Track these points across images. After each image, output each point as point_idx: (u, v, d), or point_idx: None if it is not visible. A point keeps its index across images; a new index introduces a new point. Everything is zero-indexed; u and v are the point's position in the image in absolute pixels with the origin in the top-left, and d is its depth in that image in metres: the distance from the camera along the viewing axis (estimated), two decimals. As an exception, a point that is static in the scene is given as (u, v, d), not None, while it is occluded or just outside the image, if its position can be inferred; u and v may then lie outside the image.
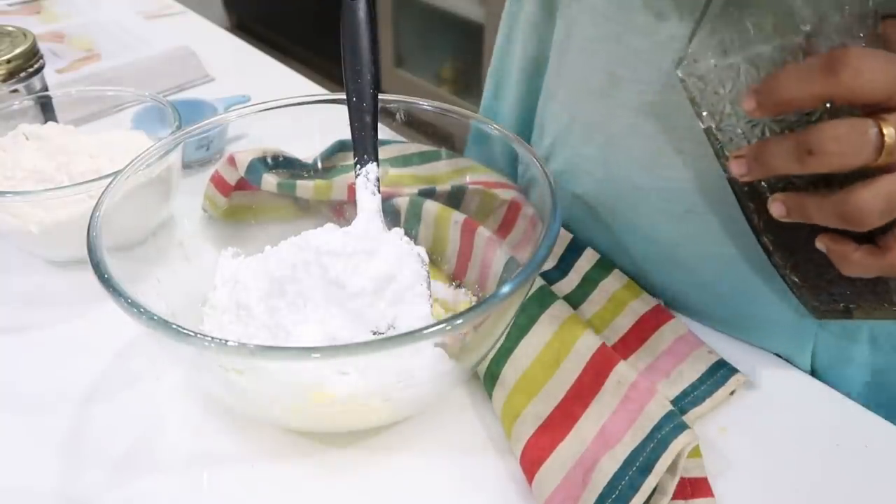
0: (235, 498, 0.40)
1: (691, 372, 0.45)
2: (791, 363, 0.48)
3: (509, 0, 0.59)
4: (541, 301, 0.46)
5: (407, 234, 0.52)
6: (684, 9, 0.40)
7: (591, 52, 0.46)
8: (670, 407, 0.40)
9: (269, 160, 0.54)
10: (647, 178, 0.47)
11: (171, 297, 0.44)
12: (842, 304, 0.42)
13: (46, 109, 0.63)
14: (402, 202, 0.53)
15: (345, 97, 0.48)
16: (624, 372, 0.42)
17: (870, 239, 0.37)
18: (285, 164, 0.55)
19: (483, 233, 0.49)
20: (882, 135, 0.32)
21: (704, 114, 0.39)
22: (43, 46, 0.68)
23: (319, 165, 0.55)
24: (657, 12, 0.41)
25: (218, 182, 0.54)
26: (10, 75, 0.63)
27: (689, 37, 0.38)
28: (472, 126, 0.49)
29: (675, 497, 0.38)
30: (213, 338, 0.33)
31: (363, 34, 0.50)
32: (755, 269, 0.46)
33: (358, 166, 0.49)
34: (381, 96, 0.52)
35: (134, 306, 0.35)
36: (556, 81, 0.52)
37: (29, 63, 0.64)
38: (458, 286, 0.51)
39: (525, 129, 0.60)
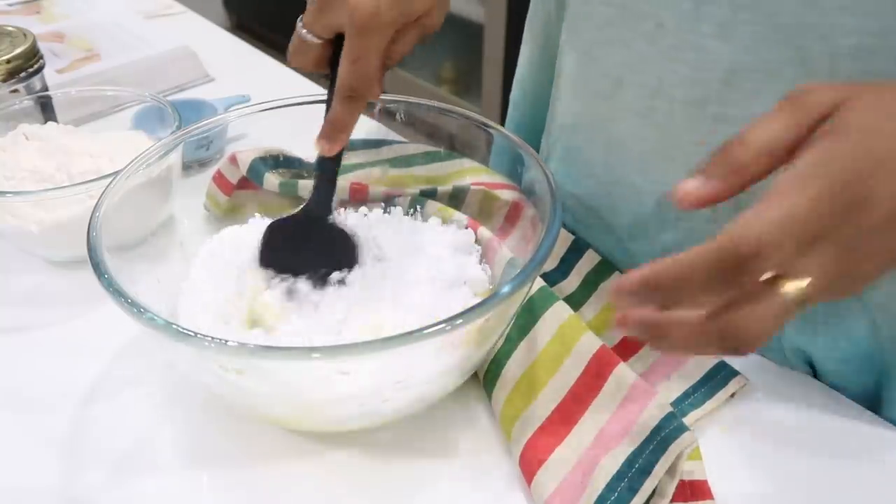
0: (235, 498, 0.40)
1: (692, 374, 0.45)
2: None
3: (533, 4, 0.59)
4: (541, 302, 0.46)
5: (407, 234, 0.52)
6: (683, 18, 0.40)
7: (597, 55, 0.46)
8: (670, 409, 0.40)
9: (270, 160, 0.54)
10: (644, 181, 0.47)
11: (171, 297, 0.44)
12: None
13: (46, 109, 0.63)
14: (404, 202, 0.53)
15: None
16: (624, 373, 0.42)
17: None
18: (287, 164, 0.55)
19: (484, 234, 0.49)
20: (791, 296, 0.28)
21: None
22: (43, 46, 0.68)
23: (320, 165, 0.55)
24: (658, 22, 0.41)
25: (220, 181, 0.54)
26: (10, 75, 0.63)
27: None
28: (494, 138, 0.49)
29: (674, 500, 0.38)
30: (212, 338, 0.33)
31: None
32: None
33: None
34: (381, 96, 0.52)
35: (134, 306, 0.35)
36: (561, 82, 0.52)
37: (29, 63, 0.64)
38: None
39: (533, 133, 0.60)
